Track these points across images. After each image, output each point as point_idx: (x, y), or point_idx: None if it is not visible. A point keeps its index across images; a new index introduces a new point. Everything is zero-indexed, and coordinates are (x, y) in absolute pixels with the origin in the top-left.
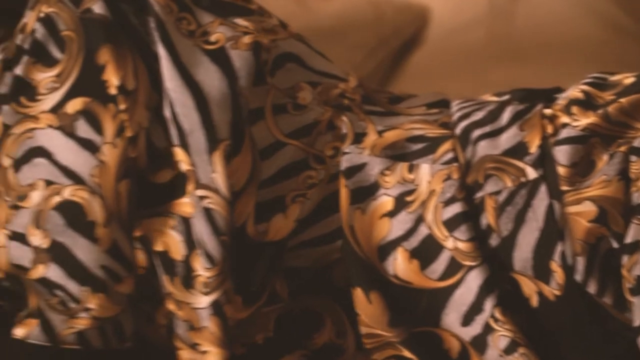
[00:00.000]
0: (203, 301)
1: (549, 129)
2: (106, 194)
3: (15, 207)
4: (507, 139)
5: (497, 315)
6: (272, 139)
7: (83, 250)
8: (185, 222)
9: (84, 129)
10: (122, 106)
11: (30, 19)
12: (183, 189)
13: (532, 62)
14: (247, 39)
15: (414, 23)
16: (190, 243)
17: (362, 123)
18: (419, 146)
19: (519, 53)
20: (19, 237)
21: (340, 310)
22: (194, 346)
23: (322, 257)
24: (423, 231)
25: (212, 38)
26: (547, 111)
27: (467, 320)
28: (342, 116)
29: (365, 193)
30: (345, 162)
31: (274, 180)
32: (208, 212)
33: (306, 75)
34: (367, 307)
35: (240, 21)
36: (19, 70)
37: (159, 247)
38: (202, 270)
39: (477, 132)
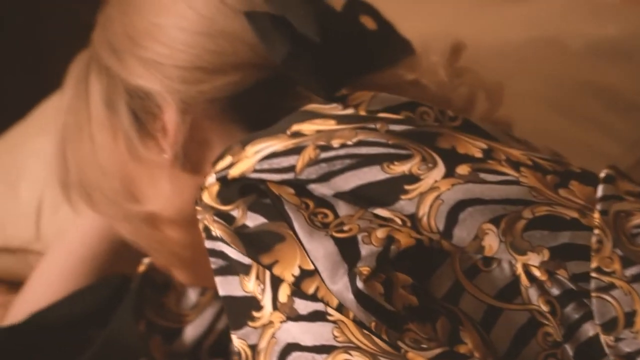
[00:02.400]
0: None
1: None
2: (359, 343)
3: None
4: None
5: None
6: (483, 306)
7: None
8: None
9: (302, 306)
10: (312, 290)
11: None
12: None
13: None
14: (380, 233)
15: None
16: None
17: (628, 298)
18: None
19: None
20: None
21: None
22: None
23: None
24: None
25: (346, 227)
26: None
27: None
28: (591, 296)
29: None
30: (625, 347)
31: (514, 351)
32: None
33: (485, 211)
34: None
35: (381, 212)
36: (224, 291)
37: None
38: None
39: None
